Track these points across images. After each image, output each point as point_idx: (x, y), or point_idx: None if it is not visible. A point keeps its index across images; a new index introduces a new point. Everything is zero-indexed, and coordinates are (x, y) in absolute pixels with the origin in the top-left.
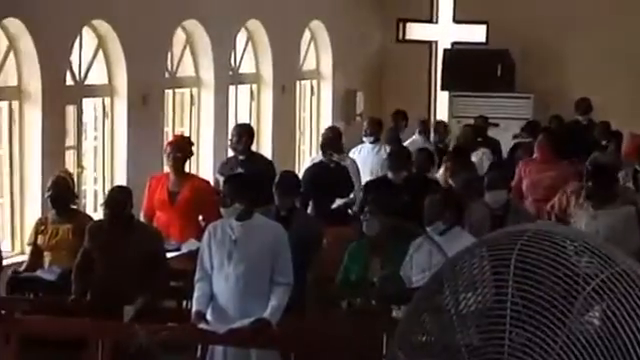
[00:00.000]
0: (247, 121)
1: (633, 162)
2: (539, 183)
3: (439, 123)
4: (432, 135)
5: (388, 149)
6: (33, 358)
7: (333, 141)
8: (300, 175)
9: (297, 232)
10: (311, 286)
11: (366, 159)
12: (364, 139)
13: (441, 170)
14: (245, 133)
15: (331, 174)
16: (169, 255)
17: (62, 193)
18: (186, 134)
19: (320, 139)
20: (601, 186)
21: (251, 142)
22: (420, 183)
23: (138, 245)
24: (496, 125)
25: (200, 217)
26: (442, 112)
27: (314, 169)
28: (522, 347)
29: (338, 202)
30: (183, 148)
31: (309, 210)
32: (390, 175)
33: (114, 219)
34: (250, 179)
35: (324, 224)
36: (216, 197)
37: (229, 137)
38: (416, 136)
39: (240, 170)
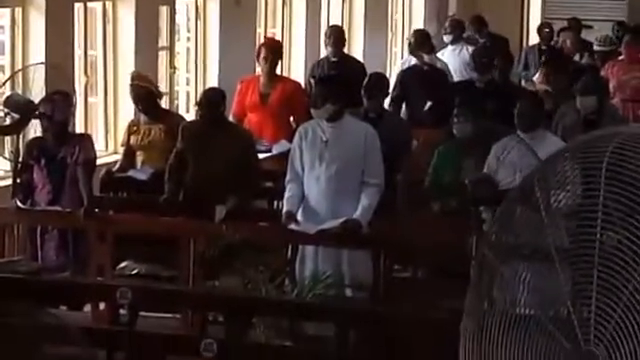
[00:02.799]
0: (339, 23)
1: None
2: (626, 84)
3: (543, 25)
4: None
5: (471, 50)
6: (126, 255)
7: (421, 43)
8: (392, 78)
9: (386, 134)
10: (402, 188)
11: (448, 61)
12: (444, 37)
13: (538, 73)
14: (337, 35)
15: (424, 76)
16: (261, 156)
17: (146, 102)
18: (278, 36)
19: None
20: None
21: (343, 44)
22: (503, 86)
23: (230, 146)
24: (590, 27)
25: (291, 118)
26: (535, 14)
27: (407, 72)
28: (613, 250)
29: (430, 104)
30: (277, 50)
31: (402, 113)
32: (475, 77)
33: (208, 120)
34: (342, 80)
35: (414, 126)
36: (307, 99)
37: (322, 39)
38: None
39: (332, 72)
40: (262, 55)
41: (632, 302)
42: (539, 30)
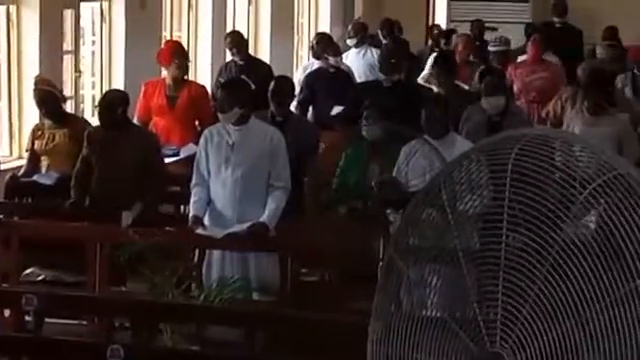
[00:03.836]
0: (245, 26)
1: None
2: (530, 85)
3: (432, 27)
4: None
5: (375, 53)
6: (31, 261)
7: (327, 46)
8: (298, 81)
9: (293, 137)
10: (309, 191)
11: (352, 63)
12: (347, 41)
13: (424, 72)
14: (238, 39)
15: (330, 79)
16: (168, 160)
17: (50, 105)
18: (183, 39)
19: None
20: (596, 92)
21: (246, 47)
22: (409, 87)
23: (134, 149)
24: (495, 29)
25: (196, 122)
26: (441, 17)
27: (312, 75)
28: (519, 252)
29: (337, 109)
30: (186, 55)
31: (309, 116)
32: (382, 78)
33: (106, 122)
34: (248, 83)
35: (321, 129)
36: (212, 102)
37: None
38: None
39: (239, 74)
40: (175, 60)
41: (537, 303)
42: (430, 32)
